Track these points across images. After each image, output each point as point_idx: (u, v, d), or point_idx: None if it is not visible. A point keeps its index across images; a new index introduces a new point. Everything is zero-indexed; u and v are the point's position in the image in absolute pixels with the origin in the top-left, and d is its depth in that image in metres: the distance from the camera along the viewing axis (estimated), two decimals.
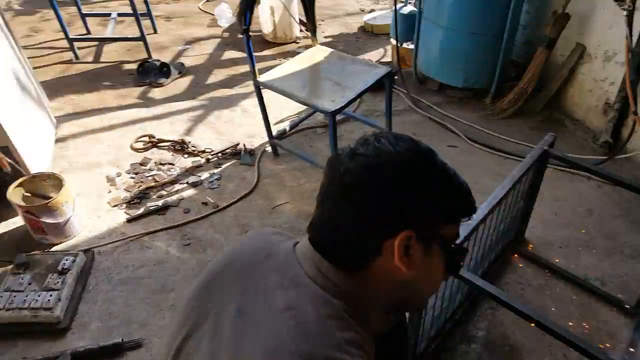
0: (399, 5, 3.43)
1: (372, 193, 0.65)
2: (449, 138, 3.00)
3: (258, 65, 2.47)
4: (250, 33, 2.32)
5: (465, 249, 0.74)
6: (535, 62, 3.05)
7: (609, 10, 2.71)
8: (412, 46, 3.56)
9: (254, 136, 3.07)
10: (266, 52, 4.14)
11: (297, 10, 4.20)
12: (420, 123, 3.16)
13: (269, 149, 2.93)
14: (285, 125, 3.06)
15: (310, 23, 2.62)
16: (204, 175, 2.76)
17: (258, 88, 2.51)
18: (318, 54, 2.67)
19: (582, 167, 2.48)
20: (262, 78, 2.46)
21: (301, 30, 4.38)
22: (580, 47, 2.95)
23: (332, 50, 2.70)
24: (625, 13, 2.40)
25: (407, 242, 0.65)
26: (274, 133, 2.83)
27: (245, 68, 3.84)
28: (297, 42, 4.40)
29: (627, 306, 1.97)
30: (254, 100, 3.43)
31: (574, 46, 3.00)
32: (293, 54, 4.18)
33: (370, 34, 4.58)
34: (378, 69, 2.49)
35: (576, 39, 2.98)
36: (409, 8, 3.60)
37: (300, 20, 4.24)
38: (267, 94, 2.57)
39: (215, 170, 2.80)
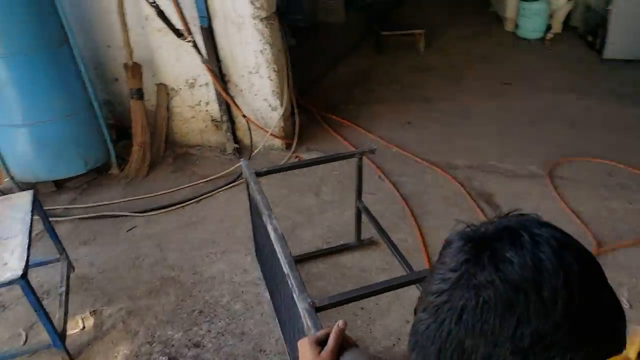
0: None
1: (512, 323, 0.48)
2: (121, 225, 2.63)
3: None
4: None
5: None
6: (137, 115, 3.02)
7: (168, 48, 2.95)
8: None
9: None
10: None
11: None
12: (75, 230, 2.61)
13: None
14: None
15: None
16: None
17: None
18: None
19: (258, 174, 2.77)
20: None
21: None
22: (163, 87, 3.12)
23: None
24: (191, 44, 2.70)
25: None
26: None
27: None
28: None
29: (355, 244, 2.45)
30: None
31: (156, 88, 3.14)
32: None
33: None
34: (12, 200, 1.86)
35: (155, 81, 3.12)
36: None
37: None
38: None
39: None
